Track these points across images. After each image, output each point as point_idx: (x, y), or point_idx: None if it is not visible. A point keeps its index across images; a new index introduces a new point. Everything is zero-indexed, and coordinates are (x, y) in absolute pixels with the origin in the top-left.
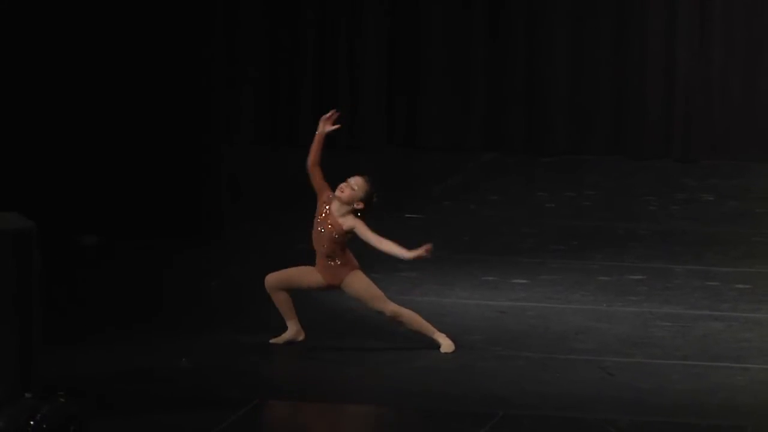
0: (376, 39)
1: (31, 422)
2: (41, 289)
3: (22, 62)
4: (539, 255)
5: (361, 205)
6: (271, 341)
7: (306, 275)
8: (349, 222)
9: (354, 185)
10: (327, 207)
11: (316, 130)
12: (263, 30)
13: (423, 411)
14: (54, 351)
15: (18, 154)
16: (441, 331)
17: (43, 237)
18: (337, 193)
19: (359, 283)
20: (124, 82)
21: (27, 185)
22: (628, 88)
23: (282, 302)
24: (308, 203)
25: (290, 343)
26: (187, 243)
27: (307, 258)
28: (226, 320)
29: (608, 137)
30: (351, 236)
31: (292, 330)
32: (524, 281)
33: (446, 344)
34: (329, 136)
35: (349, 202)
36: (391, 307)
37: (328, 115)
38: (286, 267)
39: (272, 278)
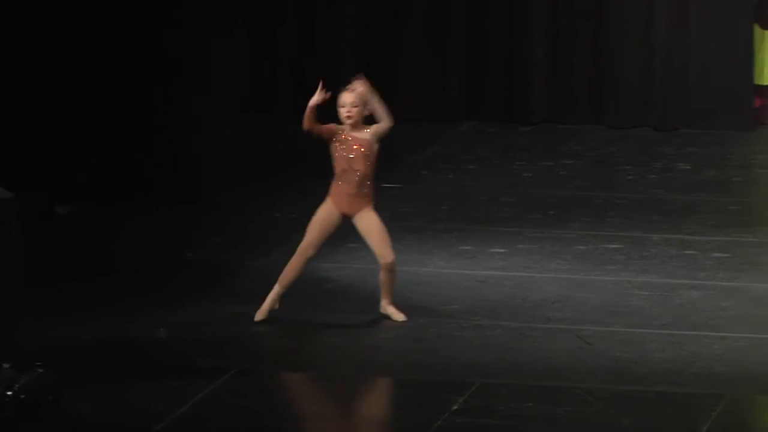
0: (354, 7)
1: (9, 392)
2: (20, 259)
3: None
4: (517, 224)
5: (368, 112)
6: (257, 319)
7: (326, 222)
8: (370, 132)
9: (354, 102)
10: (344, 137)
11: (294, 102)
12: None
13: (400, 380)
14: (31, 320)
15: None
16: (418, 300)
17: (20, 206)
18: (347, 120)
19: (375, 220)
20: (102, 49)
21: (2, 154)
22: (606, 56)
23: (296, 269)
24: (289, 173)
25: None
26: (165, 212)
27: (289, 228)
28: (203, 290)
29: (586, 106)
30: (377, 145)
31: (270, 298)
32: (502, 250)
33: (398, 315)
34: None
35: (361, 119)
36: (392, 258)
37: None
38: (264, 239)
39: (310, 248)
